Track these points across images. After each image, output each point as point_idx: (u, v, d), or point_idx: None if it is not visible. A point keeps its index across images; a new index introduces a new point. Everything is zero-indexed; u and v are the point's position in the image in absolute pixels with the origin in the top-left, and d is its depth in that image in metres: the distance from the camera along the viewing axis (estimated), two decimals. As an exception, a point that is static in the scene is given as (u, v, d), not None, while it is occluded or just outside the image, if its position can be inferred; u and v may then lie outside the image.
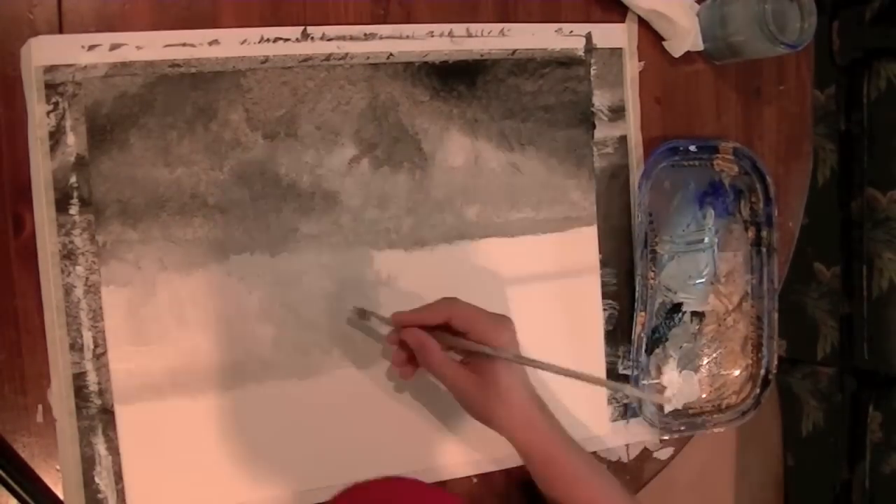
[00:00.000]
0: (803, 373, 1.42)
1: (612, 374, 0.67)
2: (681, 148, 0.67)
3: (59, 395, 0.54)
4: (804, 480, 1.49)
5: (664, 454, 0.69)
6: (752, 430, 1.57)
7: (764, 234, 0.71)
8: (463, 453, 0.63)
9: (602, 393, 0.67)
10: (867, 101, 1.20)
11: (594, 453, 0.66)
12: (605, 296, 0.67)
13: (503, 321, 0.55)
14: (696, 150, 0.68)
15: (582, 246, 0.66)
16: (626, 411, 0.68)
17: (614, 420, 0.67)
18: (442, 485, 0.63)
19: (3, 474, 0.52)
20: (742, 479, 1.60)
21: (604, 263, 0.67)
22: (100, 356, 0.55)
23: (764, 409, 0.71)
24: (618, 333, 0.67)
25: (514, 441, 0.55)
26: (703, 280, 0.70)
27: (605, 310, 0.67)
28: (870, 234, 1.21)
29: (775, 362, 0.71)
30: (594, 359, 0.66)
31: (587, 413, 0.66)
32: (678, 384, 0.69)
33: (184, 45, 0.56)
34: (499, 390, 0.53)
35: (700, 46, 0.67)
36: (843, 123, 1.26)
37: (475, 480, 0.64)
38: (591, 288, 0.66)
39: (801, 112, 0.74)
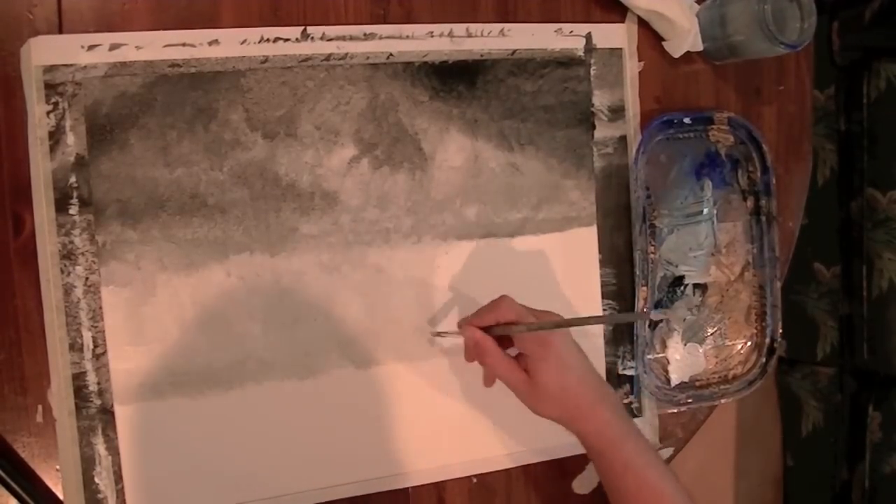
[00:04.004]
0: (803, 373, 1.42)
1: (612, 374, 0.67)
2: (675, 120, 0.67)
3: (59, 395, 0.54)
4: (804, 480, 1.49)
5: (664, 454, 0.69)
6: (752, 430, 1.57)
7: (763, 202, 0.71)
8: (462, 453, 0.63)
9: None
10: (867, 101, 1.20)
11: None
12: (604, 296, 0.67)
13: (548, 314, 0.57)
14: (690, 121, 0.68)
15: (582, 246, 0.66)
16: (627, 411, 0.68)
17: (614, 420, 0.67)
18: (442, 485, 0.63)
19: (3, 474, 0.52)
20: (742, 479, 1.60)
21: (604, 263, 0.67)
22: (99, 356, 0.55)
23: (763, 409, 0.71)
24: (617, 333, 0.67)
25: (561, 424, 0.57)
26: (703, 252, 0.71)
27: (604, 310, 0.67)
28: (870, 234, 1.21)
29: (780, 330, 0.71)
30: (594, 359, 0.66)
31: (587, 413, 0.66)
32: (683, 357, 0.70)
33: (184, 45, 0.56)
34: (542, 386, 0.55)
35: (700, 46, 0.67)
36: (843, 123, 1.26)
37: (475, 480, 0.64)
38: (590, 288, 0.66)
39: (800, 112, 0.74)
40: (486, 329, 0.57)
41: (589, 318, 0.55)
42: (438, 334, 0.61)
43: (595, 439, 0.56)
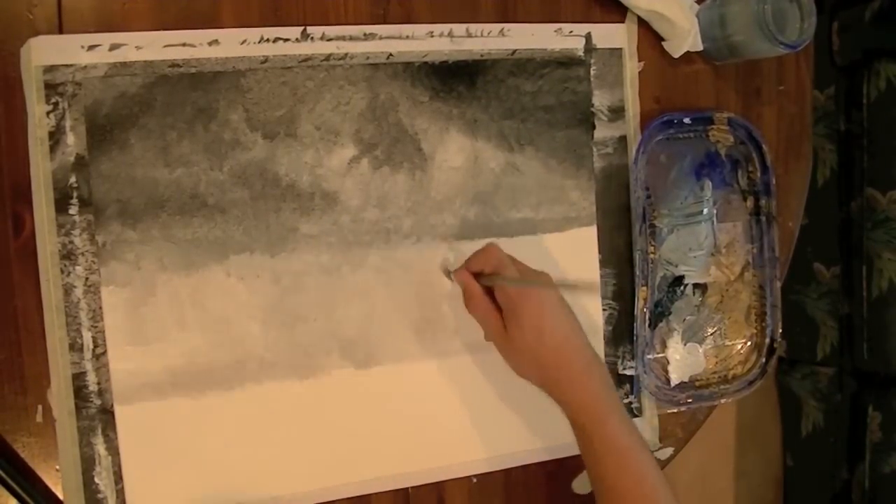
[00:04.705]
0: (803, 373, 1.42)
1: (612, 374, 0.67)
2: (675, 120, 0.68)
3: (59, 395, 0.54)
4: (804, 480, 1.49)
5: (664, 454, 0.69)
6: (752, 430, 1.57)
7: (762, 202, 0.71)
8: (462, 453, 0.63)
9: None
10: (867, 101, 1.20)
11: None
12: (604, 296, 0.67)
13: (539, 273, 0.56)
14: (690, 121, 0.68)
15: (581, 246, 0.66)
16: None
17: (614, 420, 0.67)
18: (442, 485, 0.63)
19: (3, 474, 0.52)
20: (742, 479, 1.60)
21: (603, 263, 0.67)
22: (99, 356, 0.55)
23: (763, 409, 0.71)
24: (617, 333, 0.67)
25: (543, 390, 0.56)
26: (703, 252, 0.71)
27: (604, 310, 0.67)
28: (870, 234, 1.21)
29: (780, 330, 0.72)
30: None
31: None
32: (683, 357, 0.70)
33: (183, 45, 0.56)
34: (514, 344, 0.55)
35: (699, 47, 0.67)
36: (843, 124, 1.26)
37: (475, 480, 0.64)
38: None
39: (800, 112, 0.74)
40: (478, 276, 0.57)
41: (576, 283, 0.55)
42: (450, 273, 0.62)
43: (578, 412, 0.54)
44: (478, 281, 0.57)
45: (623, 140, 0.67)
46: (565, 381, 0.54)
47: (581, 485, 0.67)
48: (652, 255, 0.68)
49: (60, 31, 0.54)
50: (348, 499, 0.60)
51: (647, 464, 0.53)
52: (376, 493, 0.61)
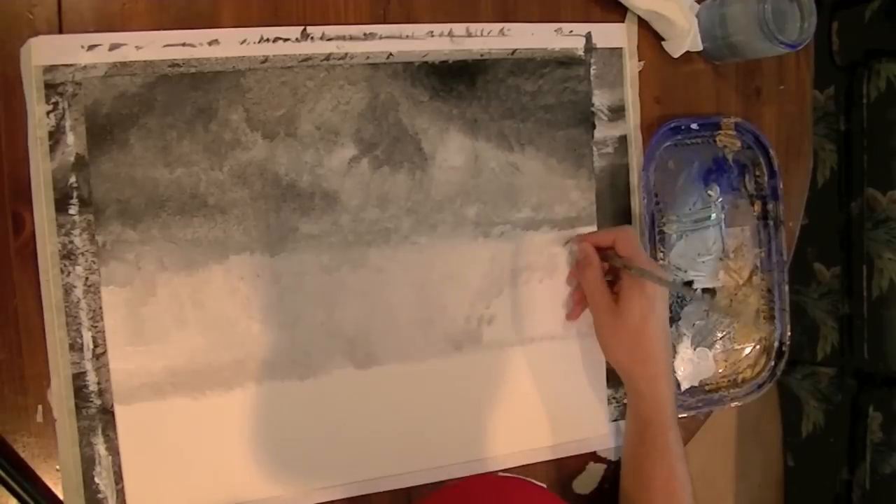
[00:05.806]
0: (803, 373, 1.42)
1: (612, 374, 0.67)
2: (682, 127, 0.68)
3: (59, 395, 0.54)
4: (804, 481, 1.49)
5: (664, 454, 0.69)
6: (753, 431, 1.57)
7: (770, 207, 0.71)
8: (462, 453, 0.63)
9: (602, 392, 0.67)
10: (867, 101, 1.20)
11: (593, 453, 0.66)
12: (604, 296, 0.67)
13: (660, 267, 0.59)
14: (697, 127, 0.68)
15: (582, 246, 0.66)
16: (627, 411, 0.68)
17: (614, 420, 0.67)
18: (440, 485, 0.63)
19: (3, 474, 0.52)
20: (742, 479, 1.60)
21: (604, 263, 0.67)
22: (99, 356, 0.55)
23: (764, 409, 0.71)
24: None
25: (626, 378, 0.59)
26: (711, 256, 0.71)
27: (604, 310, 0.67)
28: (870, 234, 1.21)
29: (788, 333, 0.72)
30: (594, 358, 0.66)
31: (587, 412, 0.66)
32: (693, 362, 0.70)
33: (183, 44, 0.56)
34: (623, 316, 0.57)
35: (699, 47, 0.67)
36: (843, 123, 1.27)
37: (475, 480, 0.64)
38: (590, 288, 0.66)
39: (801, 112, 0.74)
40: (600, 250, 0.61)
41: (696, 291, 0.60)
42: (567, 243, 0.65)
43: (652, 408, 0.57)
44: (601, 256, 0.60)
45: (623, 140, 0.67)
46: (651, 374, 0.57)
47: (581, 485, 0.67)
48: (661, 262, 0.68)
49: (60, 31, 0.54)
50: (348, 499, 0.60)
51: (689, 477, 0.58)
52: (376, 493, 0.61)
